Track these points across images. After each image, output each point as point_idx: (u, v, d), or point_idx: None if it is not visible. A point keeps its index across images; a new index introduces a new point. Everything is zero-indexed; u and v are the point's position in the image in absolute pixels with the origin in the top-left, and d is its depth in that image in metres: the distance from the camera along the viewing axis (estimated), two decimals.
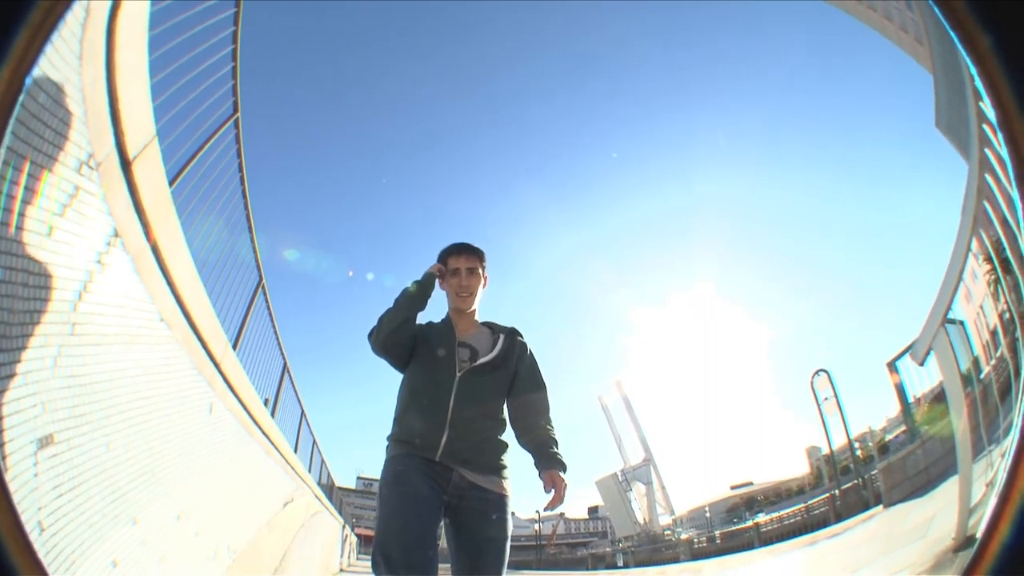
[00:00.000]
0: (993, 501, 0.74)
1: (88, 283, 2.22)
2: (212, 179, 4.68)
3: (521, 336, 2.74)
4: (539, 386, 2.68)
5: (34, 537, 1.73)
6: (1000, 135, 0.77)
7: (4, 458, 1.60)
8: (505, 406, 2.60)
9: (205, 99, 4.31)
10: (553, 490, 2.37)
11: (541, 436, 2.53)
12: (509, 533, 2.41)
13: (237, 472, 5.57)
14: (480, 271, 2.70)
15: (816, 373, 25.62)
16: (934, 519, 5.38)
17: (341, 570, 19.18)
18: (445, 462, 2.36)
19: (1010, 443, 0.78)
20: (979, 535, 0.74)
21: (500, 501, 2.41)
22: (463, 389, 2.46)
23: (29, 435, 1.78)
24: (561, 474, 2.41)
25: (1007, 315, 4.06)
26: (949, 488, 5.43)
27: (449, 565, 2.39)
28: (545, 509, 2.44)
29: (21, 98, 0.72)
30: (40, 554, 0.74)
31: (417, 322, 2.62)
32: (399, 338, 2.53)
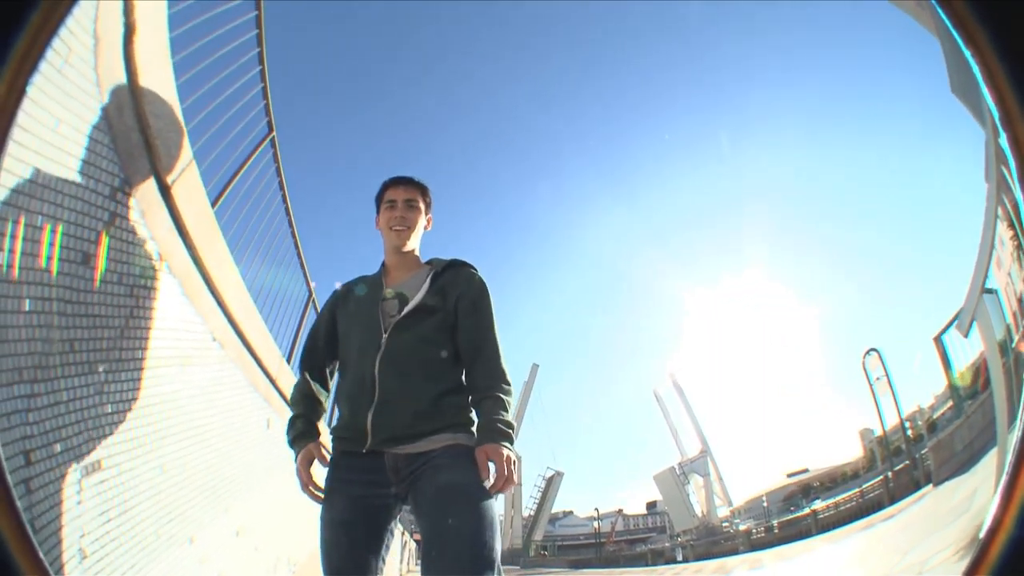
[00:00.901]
0: (997, 498, 0.72)
1: (134, 308, 2.24)
2: (255, 198, 4.77)
3: (470, 267, 2.30)
4: (481, 327, 2.18)
5: (74, 563, 1.76)
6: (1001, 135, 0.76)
7: (39, 488, 1.60)
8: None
9: (239, 120, 4.36)
10: (495, 473, 1.92)
11: (482, 395, 2.07)
12: (476, 479, 1.92)
13: (295, 485, 5.57)
14: (421, 206, 2.35)
15: (867, 353, 24.99)
16: (976, 493, 5.22)
17: None
18: (374, 449, 1.99)
19: (1017, 434, 0.75)
20: (981, 534, 0.72)
21: (449, 450, 1.97)
22: (392, 351, 2.06)
23: (72, 463, 1.78)
24: (503, 447, 1.92)
25: None
26: (990, 460, 5.25)
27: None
28: (493, 491, 1.91)
29: (23, 103, 0.72)
30: (41, 554, 0.74)
31: (336, 299, 2.38)
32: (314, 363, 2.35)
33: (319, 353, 2.35)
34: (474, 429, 2.07)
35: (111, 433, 2.05)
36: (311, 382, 2.29)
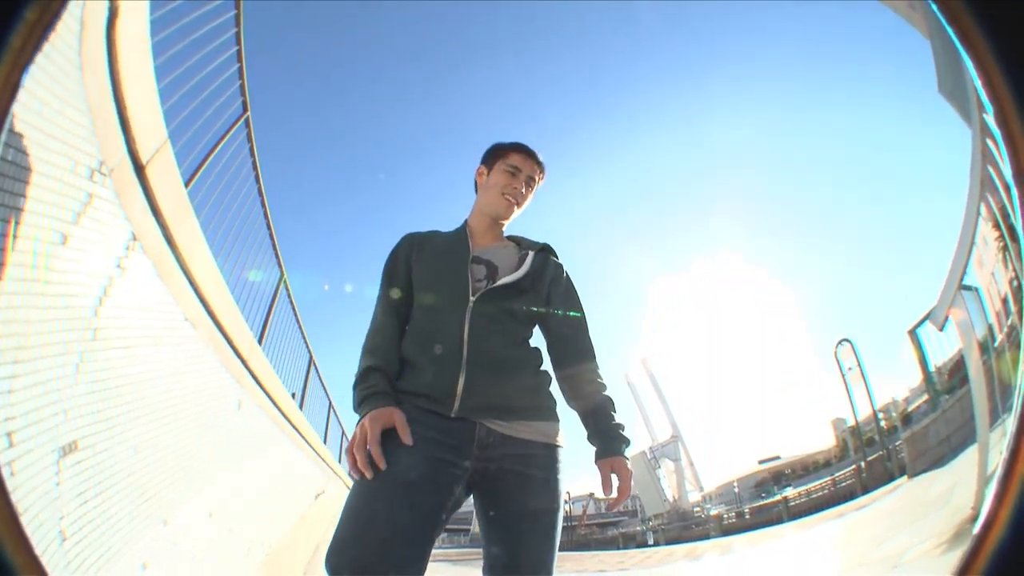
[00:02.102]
0: (992, 492, 0.72)
1: (108, 288, 2.23)
2: (227, 179, 4.74)
3: (555, 255, 2.20)
4: (579, 320, 2.07)
5: (54, 547, 1.75)
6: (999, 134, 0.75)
7: (22, 469, 1.60)
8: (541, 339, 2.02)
9: (214, 100, 4.35)
10: (617, 487, 1.79)
11: (592, 398, 1.93)
12: (561, 501, 1.77)
13: (268, 466, 5.64)
14: (534, 188, 2.19)
15: (839, 343, 25.36)
16: (955, 488, 5.35)
17: None
18: (466, 416, 1.72)
19: (1012, 428, 0.76)
20: (975, 530, 0.72)
21: (548, 455, 1.78)
22: (480, 318, 1.84)
23: (51, 444, 1.78)
24: (627, 461, 1.84)
25: (1015, 283, 3.97)
26: (969, 456, 5.37)
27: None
28: (608, 510, 1.97)
29: (15, 101, 0.72)
30: (39, 553, 0.73)
31: (412, 244, 2.05)
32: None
33: (404, 303, 1.97)
34: (588, 428, 1.92)
35: (86, 414, 2.04)
36: (397, 335, 1.92)
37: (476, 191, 2.21)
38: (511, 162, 2.12)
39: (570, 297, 2.10)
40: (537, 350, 1.96)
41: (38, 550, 1.65)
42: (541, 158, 2.17)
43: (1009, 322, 4.12)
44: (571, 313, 2.06)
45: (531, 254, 2.06)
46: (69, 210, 1.94)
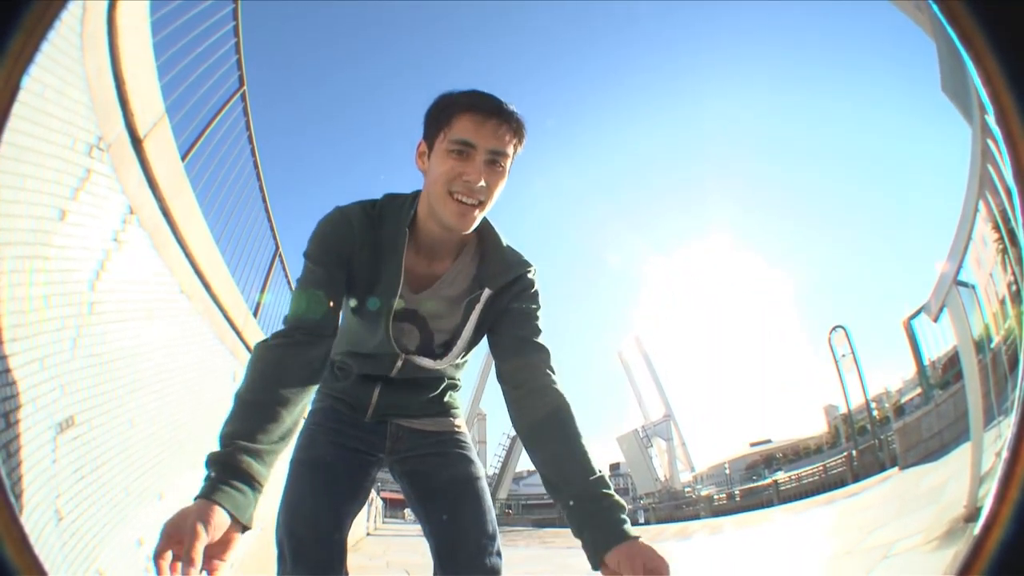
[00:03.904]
0: (992, 493, 0.73)
1: (105, 262, 2.24)
2: (224, 151, 4.79)
3: (529, 279, 1.66)
4: (534, 341, 1.61)
5: (50, 528, 1.77)
6: (1000, 135, 0.75)
7: (19, 449, 1.60)
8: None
9: (211, 75, 4.36)
10: None
11: (574, 471, 1.36)
12: (483, 473, 1.78)
13: None
14: (508, 164, 1.47)
15: (833, 329, 25.43)
16: (947, 485, 5.39)
17: (368, 534, 19.54)
18: (377, 418, 1.78)
19: (1011, 430, 0.76)
20: (976, 531, 0.72)
21: (459, 437, 1.83)
22: (400, 380, 1.74)
23: (48, 420, 1.78)
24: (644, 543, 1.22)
25: (1014, 287, 3.99)
26: (962, 454, 5.41)
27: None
28: None
29: (16, 101, 0.72)
30: (39, 553, 0.73)
31: (355, 227, 1.54)
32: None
33: (330, 320, 1.55)
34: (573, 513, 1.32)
35: (83, 388, 2.05)
36: (303, 368, 1.49)
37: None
38: (458, 134, 1.41)
39: (527, 317, 1.63)
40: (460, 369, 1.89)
41: (35, 534, 1.65)
42: (511, 113, 1.44)
43: (1007, 325, 4.14)
44: (519, 333, 1.61)
45: (483, 300, 1.60)
46: (67, 186, 1.94)
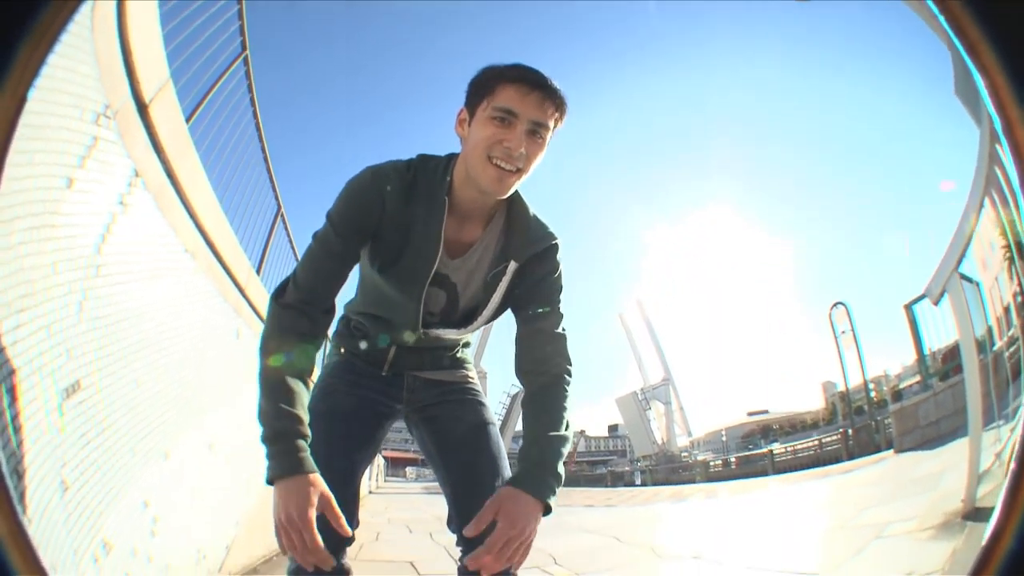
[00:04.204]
0: (1000, 503, 0.73)
1: (111, 225, 2.27)
2: (227, 115, 4.80)
3: (554, 259, 1.70)
4: (551, 332, 1.66)
5: (55, 501, 1.80)
6: (1003, 137, 0.75)
7: (23, 425, 1.63)
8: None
9: (215, 40, 4.38)
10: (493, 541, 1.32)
11: (536, 427, 1.53)
12: (493, 417, 1.86)
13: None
14: (548, 136, 1.50)
15: (834, 305, 25.40)
16: (943, 475, 5.43)
17: (370, 492, 19.82)
18: (394, 372, 1.82)
19: (1019, 438, 0.77)
20: (984, 540, 0.73)
21: (472, 386, 1.90)
22: (421, 344, 1.78)
23: (54, 387, 1.81)
24: (538, 512, 1.39)
25: (1020, 298, 3.97)
26: (959, 447, 5.43)
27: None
28: (465, 561, 1.48)
29: (26, 103, 0.73)
30: (39, 553, 0.74)
31: (388, 193, 1.54)
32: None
33: (334, 296, 1.62)
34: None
35: (89, 351, 2.09)
36: (313, 339, 1.56)
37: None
38: (502, 102, 1.44)
39: (548, 294, 1.69)
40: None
41: (39, 508, 1.66)
42: (555, 88, 1.46)
43: (1010, 333, 4.12)
44: (539, 309, 1.67)
45: (509, 272, 1.65)
46: (75, 155, 1.96)
